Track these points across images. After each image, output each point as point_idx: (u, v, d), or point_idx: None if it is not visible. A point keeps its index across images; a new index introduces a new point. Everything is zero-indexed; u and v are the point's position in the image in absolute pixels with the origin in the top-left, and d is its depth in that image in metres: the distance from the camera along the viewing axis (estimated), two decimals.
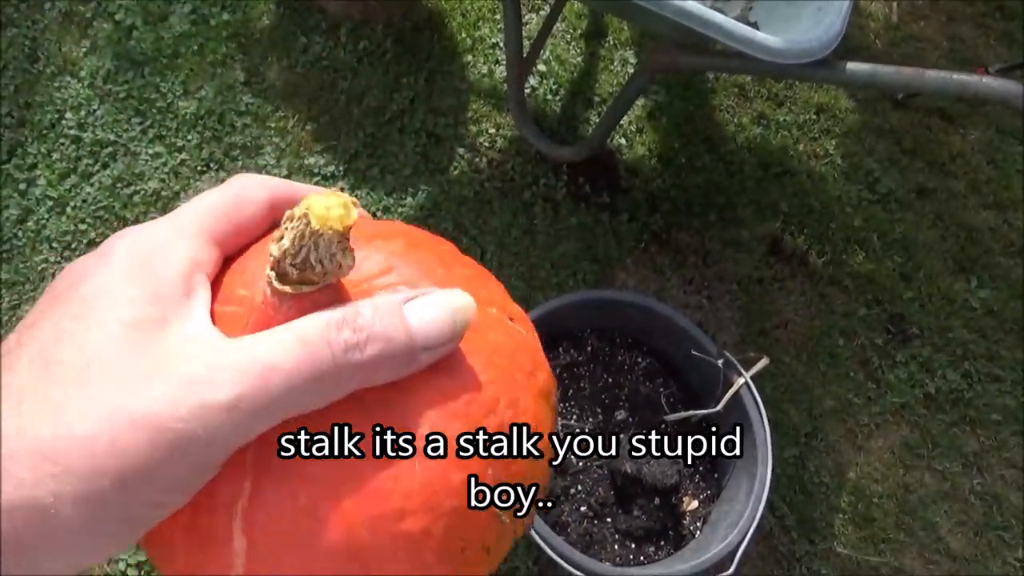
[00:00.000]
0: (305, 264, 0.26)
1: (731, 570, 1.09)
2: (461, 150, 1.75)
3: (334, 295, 0.28)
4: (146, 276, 0.26)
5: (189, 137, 1.71)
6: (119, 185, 1.65)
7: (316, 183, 1.68)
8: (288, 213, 0.26)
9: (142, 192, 1.64)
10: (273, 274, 0.27)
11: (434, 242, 0.36)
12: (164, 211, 1.63)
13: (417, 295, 0.28)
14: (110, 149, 1.68)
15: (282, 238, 0.26)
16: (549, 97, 1.86)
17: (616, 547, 1.22)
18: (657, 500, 1.23)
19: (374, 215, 1.65)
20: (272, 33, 1.85)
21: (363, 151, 1.72)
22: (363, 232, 0.32)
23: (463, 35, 1.89)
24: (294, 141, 1.72)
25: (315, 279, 0.27)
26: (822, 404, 1.55)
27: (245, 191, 0.31)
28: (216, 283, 0.29)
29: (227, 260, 0.31)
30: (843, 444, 1.52)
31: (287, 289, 0.26)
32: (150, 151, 1.69)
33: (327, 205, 0.26)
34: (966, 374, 1.61)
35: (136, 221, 1.62)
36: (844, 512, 1.46)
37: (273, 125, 1.74)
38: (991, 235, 1.80)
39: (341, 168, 1.70)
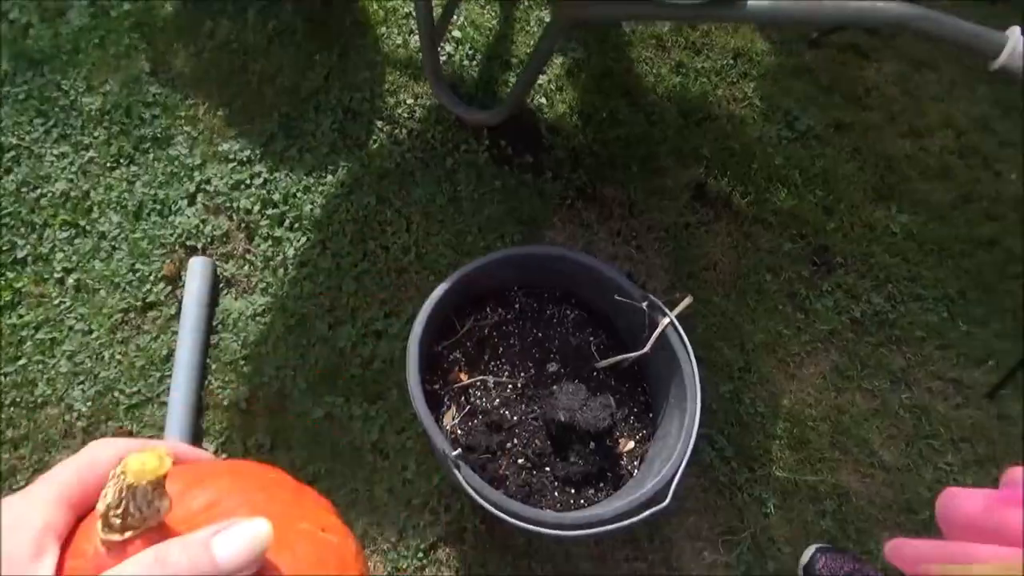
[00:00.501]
0: (126, 513, 0.31)
1: (666, 502, 1.10)
2: (379, 123, 1.73)
3: (160, 534, 0.32)
4: (3, 542, 0.31)
5: (96, 134, 1.67)
6: (24, 189, 1.60)
7: (232, 168, 1.65)
8: (111, 472, 0.31)
9: (49, 195, 1.60)
10: (101, 525, 0.32)
11: (260, 472, 0.41)
12: (75, 212, 1.59)
13: (223, 527, 0.31)
14: (12, 153, 1.63)
15: (107, 494, 0.31)
16: (466, 63, 1.84)
17: (556, 494, 1.23)
18: (593, 444, 1.24)
19: (294, 196, 1.63)
20: (176, 20, 1.80)
21: (279, 132, 1.70)
22: (198, 473, 0.37)
23: (375, 7, 1.87)
24: (206, 128, 1.69)
25: (136, 525, 0.31)
26: (753, 339, 1.58)
27: (96, 455, 0.35)
28: (69, 541, 0.34)
29: (81, 520, 0.35)
30: (776, 375, 1.56)
31: (114, 537, 0.31)
32: (55, 151, 1.64)
33: (142, 460, 0.30)
34: (889, 296, 1.65)
35: (45, 225, 1.57)
36: (780, 438, 1.50)
37: (183, 114, 1.70)
38: (908, 162, 1.84)
39: (257, 151, 1.67)
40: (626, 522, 1.10)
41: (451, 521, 1.38)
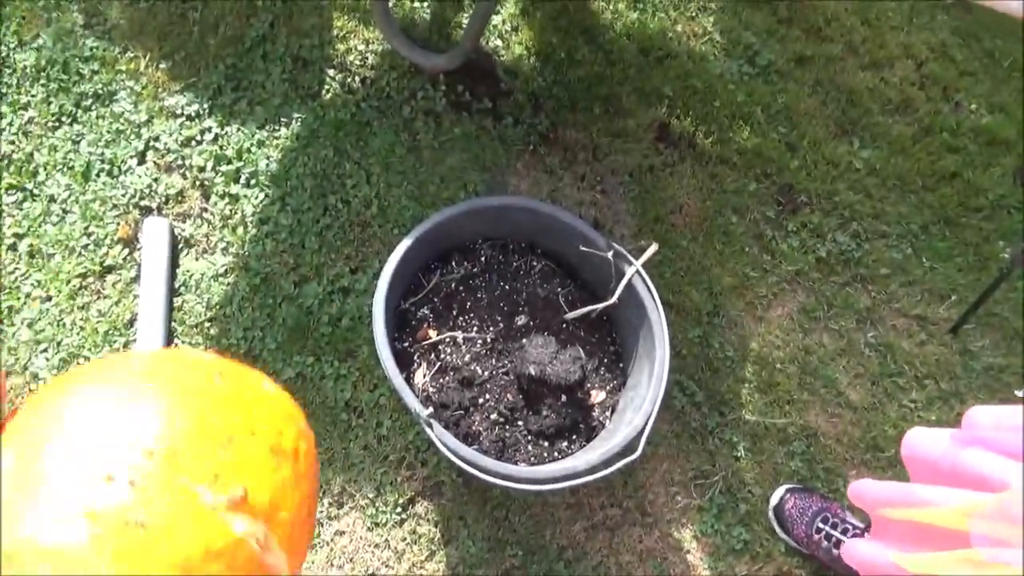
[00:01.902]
0: None
1: (638, 452, 1.12)
2: (331, 72, 1.67)
3: None
4: None
5: (33, 92, 1.58)
6: None
7: (181, 124, 1.59)
8: None
9: None
10: None
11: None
12: (20, 175, 1.51)
13: None
14: None
15: None
16: (417, 4, 1.77)
17: (530, 447, 1.24)
18: (564, 397, 1.25)
19: (248, 151, 1.57)
20: None
21: (226, 85, 1.62)
22: None
23: None
24: (150, 83, 1.61)
25: None
26: (721, 282, 1.59)
27: None
28: None
29: None
30: (744, 317, 1.57)
31: None
32: None
33: None
34: (855, 234, 1.67)
35: None
36: (750, 382, 1.52)
37: (124, 68, 1.61)
38: (869, 95, 1.83)
39: (205, 105, 1.60)
40: (599, 474, 1.11)
41: (428, 475, 1.39)
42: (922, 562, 0.74)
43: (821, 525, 1.35)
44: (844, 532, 1.33)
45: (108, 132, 1.57)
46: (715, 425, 1.47)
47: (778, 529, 1.41)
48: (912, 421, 1.52)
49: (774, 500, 1.42)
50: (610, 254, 1.25)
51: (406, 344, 1.29)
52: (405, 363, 1.27)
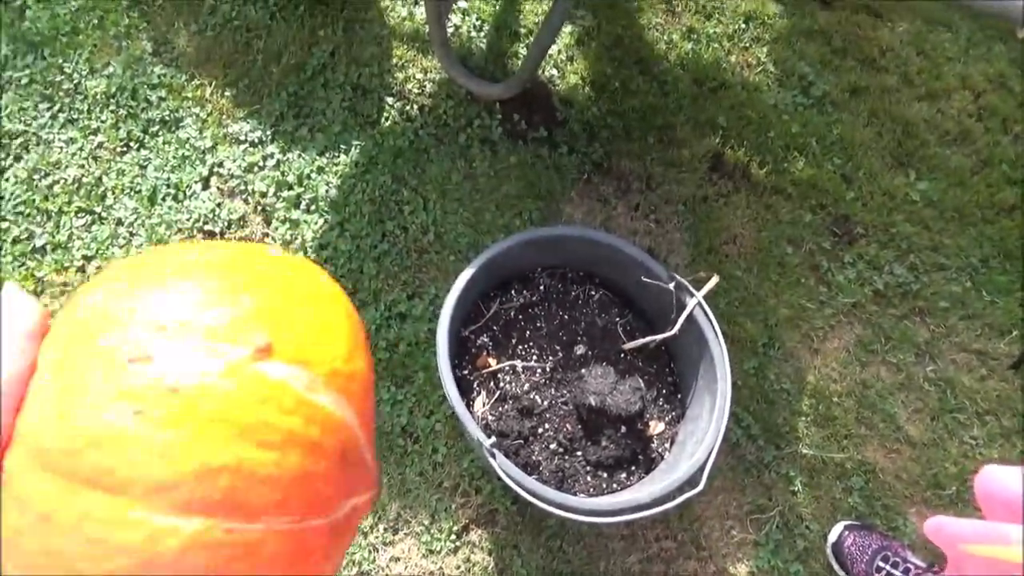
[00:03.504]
0: None
1: (701, 486, 1.11)
2: (390, 100, 1.70)
3: None
4: None
5: (103, 117, 1.63)
6: (36, 177, 1.57)
7: (244, 150, 1.62)
8: None
9: (62, 181, 1.57)
10: None
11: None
12: (89, 199, 1.56)
13: None
14: (20, 140, 1.59)
15: None
16: (474, 34, 1.80)
17: (589, 478, 1.24)
18: (623, 428, 1.24)
19: (308, 177, 1.60)
20: None
21: (288, 112, 1.66)
22: None
23: None
24: (215, 110, 1.65)
25: None
26: (776, 313, 1.58)
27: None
28: None
29: None
30: (800, 349, 1.55)
31: None
32: (63, 137, 1.60)
33: None
34: (912, 267, 1.65)
35: (60, 213, 1.55)
36: (806, 415, 1.50)
37: (190, 95, 1.66)
38: (926, 126, 1.82)
39: (268, 132, 1.64)
40: (661, 508, 1.10)
41: (482, 503, 1.39)
42: None
43: (882, 564, 1.33)
44: (906, 572, 1.31)
45: (174, 157, 1.61)
46: (771, 458, 1.46)
47: (836, 567, 1.39)
48: (973, 458, 1.49)
49: (832, 537, 1.40)
50: (671, 285, 1.25)
51: (465, 371, 1.30)
52: (464, 391, 1.28)
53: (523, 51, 1.79)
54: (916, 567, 1.31)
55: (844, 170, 1.74)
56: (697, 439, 1.19)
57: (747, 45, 1.88)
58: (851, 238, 1.66)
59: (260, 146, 1.63)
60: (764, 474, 1.45)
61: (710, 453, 1.14)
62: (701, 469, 1.14)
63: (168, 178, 1.59)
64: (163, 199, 1.58)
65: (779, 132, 1.76)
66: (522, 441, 1.24)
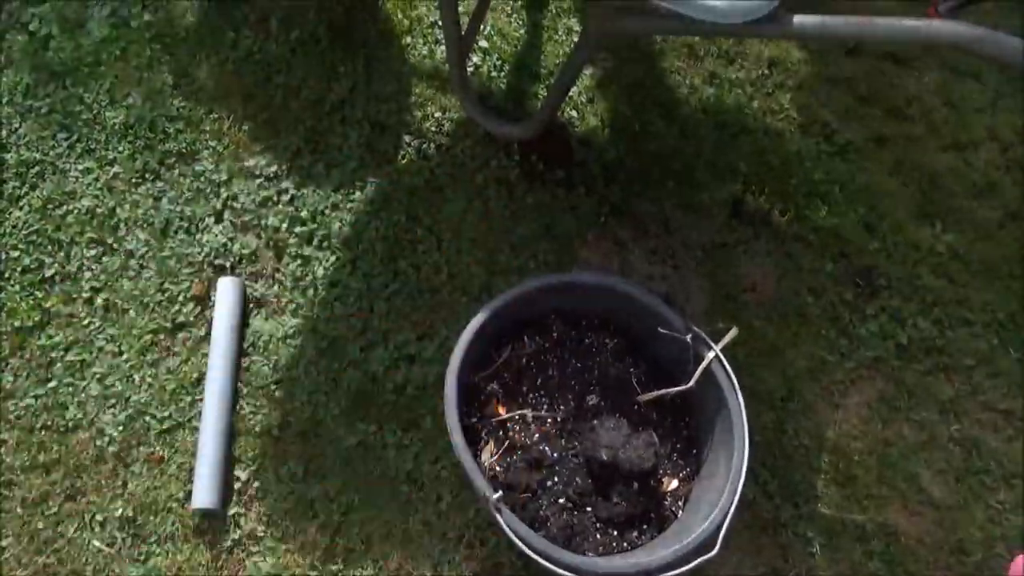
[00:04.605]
0: None
1: (715, 551, 1.06)
2: (407, 137, 1.69)
3: None
4: None
5: (120, 148, 1.63)
6: (50, 206, 1.57)
7: (259, 185, 1.62)
8: None
9: (75, 211, 1.56)
10: None
11: None
12: (101, 229, 1.55)
13: None
14: (37, 168, 1.60)
15: None
16: (494, 74, 1.79)
17: (599, 535, 1.20)
18: (636, 485, 1.20)
19: (322, 213, 1.59)
20: (198, 30, 1.76)
21: (305, 147, 1.65)
22: None
23: (399, 16, 1.82)
24: (232, 143, 1.65)
25: None
26: (795, 365, 1.53)
27: None
28: None
29: None
30: (820, 403, 1.51)
31: None
32: (80, 167, 1.60)
33: None
34: (937, 321, 1.60)
35: (72, 243, 1.54)
36: (825, 472, 1.45)
37: (208, 128, 1.66)
38: (952, 177, 1.78)
39: (284, 167, 1.63)
40: (673, 572, 1.06)
41: (487, 556, 1.34)
42: None
43: None
44: None
45: (188, 190, 1.60)
46: (789, 518, 1.41)
47: None
48: (1000, 523, 1.43)
49: None
50: (688, 337, 1.22)
51: (474, 419, 1.27)
52: (472, 439, 1.24)
53: (543, 92, 1.78)
54: None
55: (868, 219, 1.70)
56: (711, 499, 1.15)
57: (770, 91, 1.86)
58: (874, 289, 1.62)
59: (275, 181, 1.62)
60: (781, 534, 1.39)
61: (726, 516, 1.10)
62: (716, 532, 1.09)
63: (182, 211, 1.58)
64: (175, 232, 1.57)
65: (801, 179, 1.73)
66: (530, 494, 1.20)
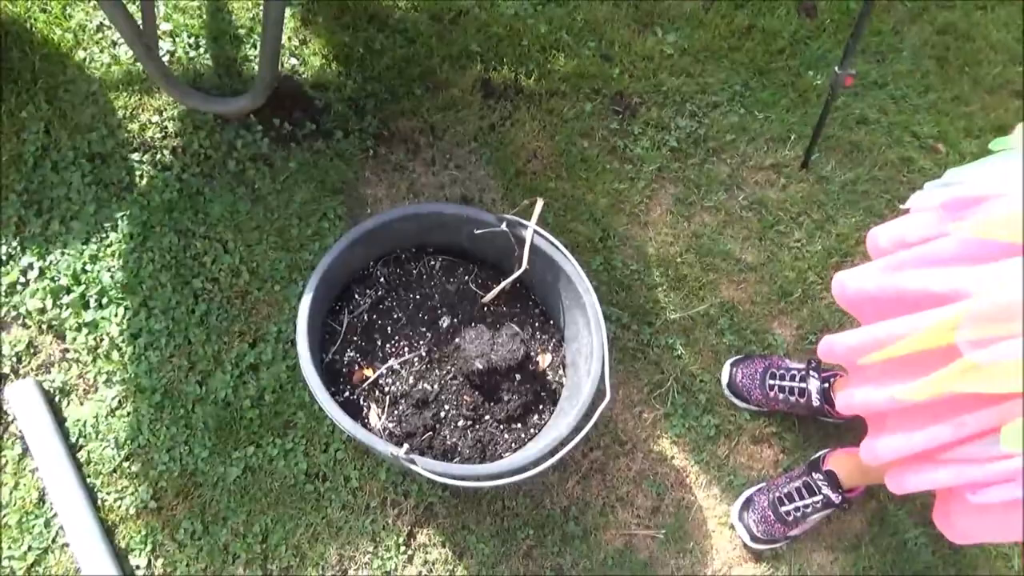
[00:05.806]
0: None
1: (608, 396, 1.15)
2: (135, 155, 1.53)
3: None
4: None
5: None
6: None
7: None
8: None
9: None
10: None
11: None
12: None
13: None
14: None
15: None
16: (192, 54, 1.65)
17: (507, 435, 1.25)
18: (518, 376, 1.25)
19: (83, 271, 1.43)
20: None
21: (27, 213, 1.46)
22: None
23: (58, 33, 1.60)
24: None
25: None
26: (599, 206, 1.63)
27: None
28: None
29: None
30: (632, 229, 1.62)
31: None
32: None
33: None
34: (692, 114, 1.75)
35: None
36: (660, 284, 1.59)
37: None
38: None
39: (14, 244, 1.43)
40: (584, 430, 1.13)
41: (416, 504, 1.36)
42: (923, 387, 0.79)
43: (771, 382, 1.45)
44: (792, 379, 1.43)
45: None
46: (649, 336, 1.53)
47: (737, 402, 1.51)
48: (803, 258, 1.65)
49: (724, 378, 1.51)
50: (503, 226, 1.25)
51: (347, 394, 1.25)
52: (353, 412, 1.23)
53: (253, 52, 1.66)
54: (798, 369, 1.44)
55: (601, 51, 1.79)
56: (586, 355, 1.22)
57: None
58: (632, 110, 1.73)
59: (12, 261, 1.43)
60: (649, 353, 1.52)
61: (603, 364, 1.17)
62: (601, 380, 1.17)
63: None
64: None
65: (531, 38, 1.78)
66: (431, 432, 1.22)
